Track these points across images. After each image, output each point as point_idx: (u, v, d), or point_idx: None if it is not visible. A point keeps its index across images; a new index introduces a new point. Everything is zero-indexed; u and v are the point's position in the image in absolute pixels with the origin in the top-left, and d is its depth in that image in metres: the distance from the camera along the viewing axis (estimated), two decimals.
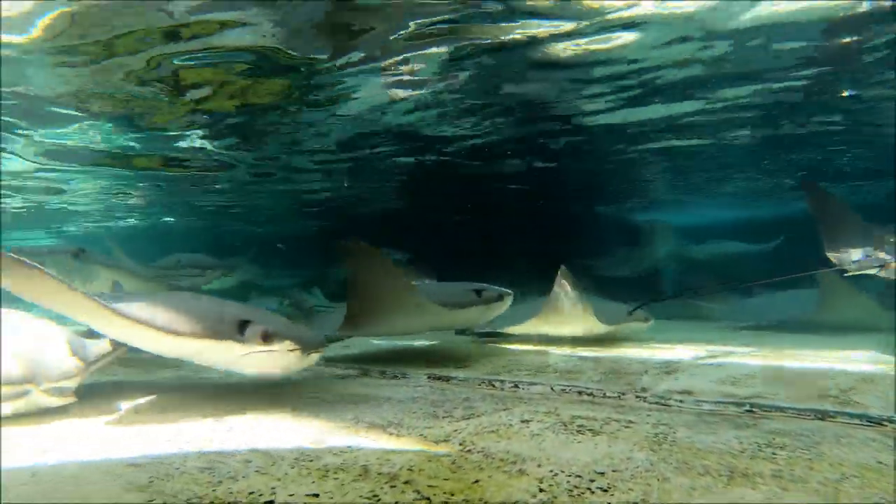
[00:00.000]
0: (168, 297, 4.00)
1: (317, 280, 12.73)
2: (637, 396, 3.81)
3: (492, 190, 12.85)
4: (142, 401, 3.75)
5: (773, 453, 2.52)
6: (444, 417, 3.29)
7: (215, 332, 3.34)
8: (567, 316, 5.97)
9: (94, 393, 3.89)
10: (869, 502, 2.01)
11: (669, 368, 4.74)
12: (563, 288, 5.75)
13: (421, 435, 2.92)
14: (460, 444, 2.73)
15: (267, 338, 3.37)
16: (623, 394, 3.89)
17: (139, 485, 2.25)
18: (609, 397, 3.84)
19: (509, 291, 5.57)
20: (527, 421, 3.18)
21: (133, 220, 16.37)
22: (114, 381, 4.55)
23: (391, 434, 2.94)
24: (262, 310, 3.97)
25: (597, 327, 6.12)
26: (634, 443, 2.73)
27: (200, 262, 10.36)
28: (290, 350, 3.42)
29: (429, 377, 4.67)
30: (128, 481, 2.29)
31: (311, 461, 2.50)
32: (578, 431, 2.95)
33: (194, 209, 14.68)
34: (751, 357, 5.30)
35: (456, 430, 2.99)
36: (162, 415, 3.43)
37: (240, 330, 3.39)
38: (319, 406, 3.61)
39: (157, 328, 3.20)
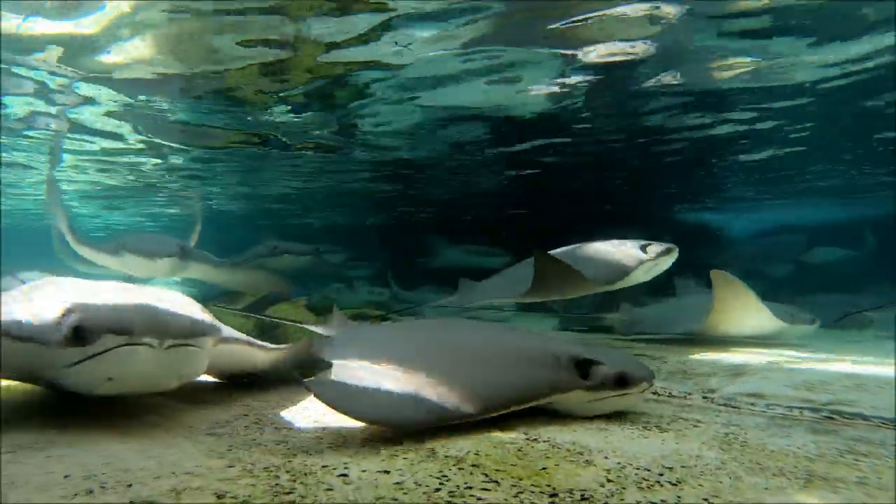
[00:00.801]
0: (456, 332, 3.61)
1: (388, 269, 13.05)
2: (704, 397, 3.72)
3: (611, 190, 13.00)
4: (215, 380, 3.95)
5: (856, 460, 2.41)
6: None
7: (560, 385, 2.92)
8: (740, 314, 5.90)
9: None
10: None
11: (738, 371, 4.59)
12: (734, 287, 5.67)
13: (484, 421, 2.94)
14: (525, 434, 2.75)
15: (624, 382, 2.96)
16: (689, 394, 3.80)
17: (220, 452, 2.39)
18: (675, 396, 3.76)
19: (675, 245, 5.52)
20: None
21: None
22: None
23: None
24: (555, 338, 3.58)
25: (769, 326, 6.02)
26: (703, 441, 2.67)
27: (295, 248, 10.61)
28: (643, 390, 3.05)
29: None
30: (209, 448, 2.43)
31: (379, 441, 2.57)
32: (644, 428, 2.91)
33: (260, 197, 15.17)
34: (828, 363, 5.05)
35: (519, 420, 3.00)
36: (233, 393, 3.60)
37: (580, 373, 2.98)
38: None
39: (493, 402, 2.75)
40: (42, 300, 2.70)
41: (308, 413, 3.09)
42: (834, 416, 3.19)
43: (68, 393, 2.68)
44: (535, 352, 3.08)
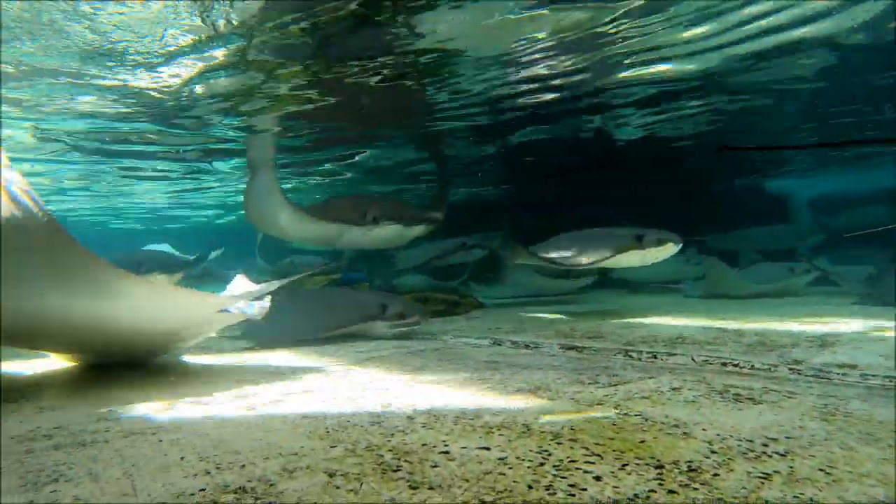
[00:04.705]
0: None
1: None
2: (790, 369, 3.60)
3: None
4: (302, 367, 4.08)
5: None
6: (589, 384, 3.29)
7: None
8: None
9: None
10: None
11: (824, 342, 4.42)
12: None
13: (572, 399, 2.94)
14: (615, 408, 2.73)
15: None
16: (774, 366, 3.69)
17: (319, 433, 2.46)
18: (759, 369, 3.66)
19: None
20: (677, 388, 3.12)
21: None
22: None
23: (542, 397, 2.99)
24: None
25: None
26: (802, 412, 2.59)
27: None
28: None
29: (561, 347, 4.68)
30: (307, 430, 2.51)
31: (472, 420, 2.60)
32: (736, 400, 2.85)
33: None
34: None
35: (606, 395, 2.99)
36: (323, 379, 3.71)
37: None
38: (460, 371, 3.74)
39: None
40: None
41: (393, 395, 3.15)
42: None
43: None
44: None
